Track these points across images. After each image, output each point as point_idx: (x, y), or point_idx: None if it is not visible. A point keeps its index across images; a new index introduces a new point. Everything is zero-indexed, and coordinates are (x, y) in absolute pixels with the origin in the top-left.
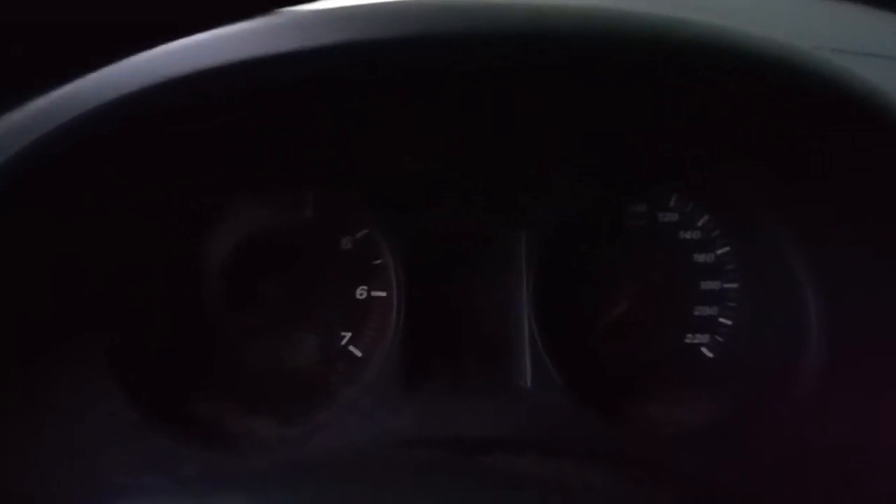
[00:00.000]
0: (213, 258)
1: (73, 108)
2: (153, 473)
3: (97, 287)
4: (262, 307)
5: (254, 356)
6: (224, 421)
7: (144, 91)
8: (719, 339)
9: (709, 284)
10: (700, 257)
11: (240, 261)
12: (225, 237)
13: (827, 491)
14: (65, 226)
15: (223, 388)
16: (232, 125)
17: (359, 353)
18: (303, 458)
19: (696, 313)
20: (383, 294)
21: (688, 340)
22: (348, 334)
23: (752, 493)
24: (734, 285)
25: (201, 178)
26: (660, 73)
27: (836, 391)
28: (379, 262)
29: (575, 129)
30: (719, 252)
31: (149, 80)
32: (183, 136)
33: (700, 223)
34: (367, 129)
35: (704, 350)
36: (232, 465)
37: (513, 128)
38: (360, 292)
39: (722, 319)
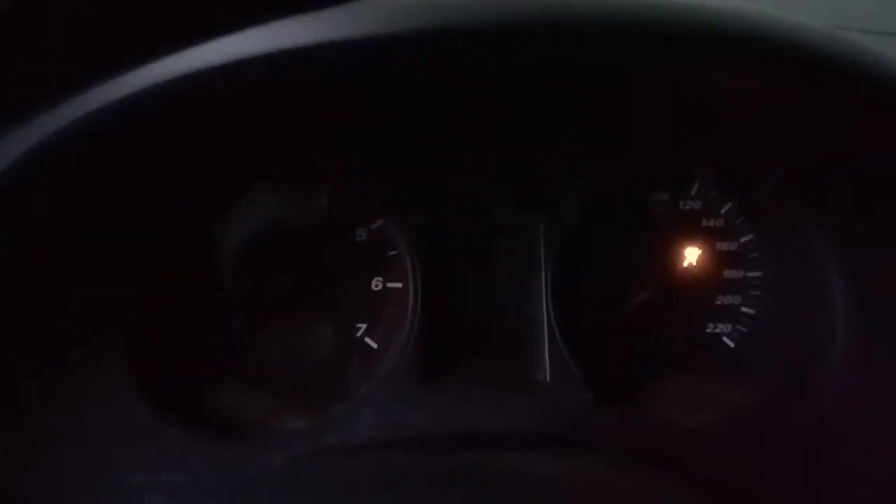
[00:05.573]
0: (228, 249)
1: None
2: (168, 469)
3: (111, 278)
4: (277, 298)
5: (269, 348)
6: (239, 415)
7: (175, 81)
8: (742, 328)
9: (731, 273)
10: (723, 245)
11: (254, 251)
12: (240, 227)
13: (850, 484)
14: (81, 214)
15: (238, 381)
16: (251, 114)
17: (374, 345)
18: (318, 453)
19: (719, 302)
20: (399, 285)
21: (709, 330)
22: (364, 326)
23: (774, 487)
24: (758, 274)
25: (217, 165)
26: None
27: (862, 383)
28: (394, 252)
29: (595, 120)
30: (743, 240)
31: (180, 71)
32: (203, 125)
33: (723, 211)
34: (383, 120)
35: (726, 340)
36: (247, 461)
37: (532, 118)
38: (376, 283)
39: (745, 309)
